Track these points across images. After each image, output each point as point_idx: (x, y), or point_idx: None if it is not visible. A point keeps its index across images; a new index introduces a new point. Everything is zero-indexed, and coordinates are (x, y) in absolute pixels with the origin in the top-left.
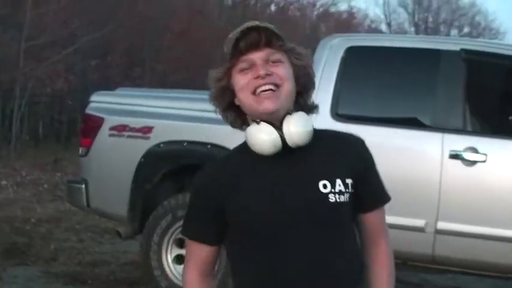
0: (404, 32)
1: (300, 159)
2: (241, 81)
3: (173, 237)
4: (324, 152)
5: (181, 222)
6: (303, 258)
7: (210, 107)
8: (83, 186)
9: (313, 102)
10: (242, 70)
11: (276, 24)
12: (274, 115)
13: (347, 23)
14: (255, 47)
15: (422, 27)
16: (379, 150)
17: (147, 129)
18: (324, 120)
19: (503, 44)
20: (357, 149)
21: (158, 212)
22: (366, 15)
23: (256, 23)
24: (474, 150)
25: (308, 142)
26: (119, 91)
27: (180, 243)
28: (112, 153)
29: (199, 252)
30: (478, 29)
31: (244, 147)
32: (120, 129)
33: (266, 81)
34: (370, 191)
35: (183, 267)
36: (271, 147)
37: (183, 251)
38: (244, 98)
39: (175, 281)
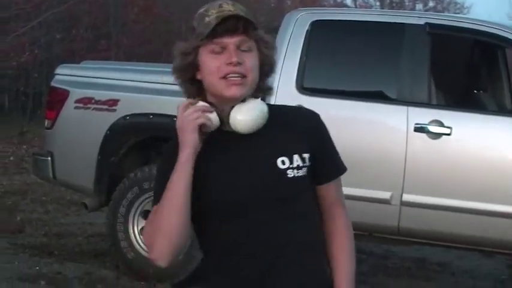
0: (370, 7)
1: (258, 138)
2: (212, 64)
3: (139, 209)
4: (281, 129)
5: (147, 194)
6: (266, 234)
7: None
8: (49, 158)
9: (267, 84)
10: (213, 52)
11: None
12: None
13: None
14: (231, 33)
15: (387, 2)
16: (345, 123)
17: (113, 102)
18: (289, 93)
19: (468, 18)
20: (312, 124)
21: (124, 185)
22: None
23: (233, 8)
24: (439, 123)
25: (258, 129)
26: (84, 64)
27: (146, 215)
28: (78, 126)
29: None
30: (443, 3)
31: None
32: (85, 102)
33: (238, 70)
34: (326, 163)
35: (146, 240)
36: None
37: None
38: (213, 81)
39: (142, 252)
